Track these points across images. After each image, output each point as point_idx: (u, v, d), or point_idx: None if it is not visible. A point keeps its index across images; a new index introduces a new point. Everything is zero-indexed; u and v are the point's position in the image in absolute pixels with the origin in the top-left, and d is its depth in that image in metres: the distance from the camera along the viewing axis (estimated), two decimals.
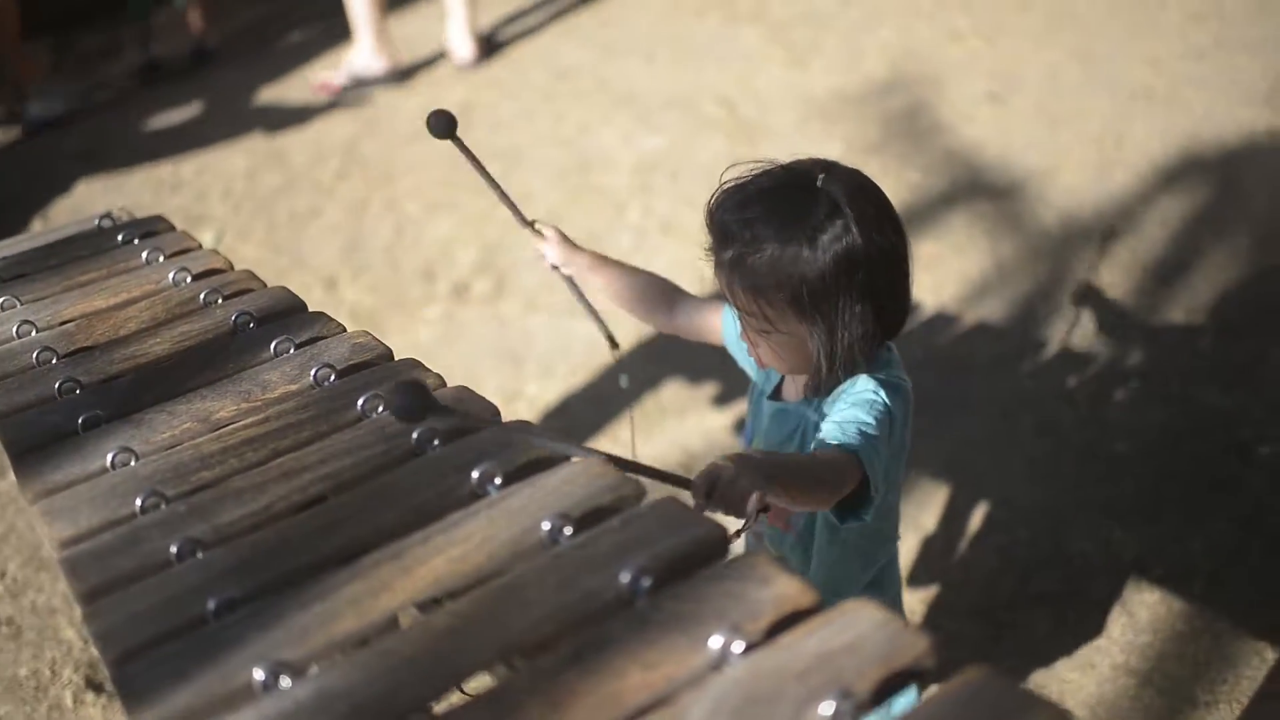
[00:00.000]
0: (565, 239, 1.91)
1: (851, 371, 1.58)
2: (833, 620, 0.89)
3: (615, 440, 3.01)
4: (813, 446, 1.53)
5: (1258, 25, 4.69)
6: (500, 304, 3.60)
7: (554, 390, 3.21)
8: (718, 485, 1.27)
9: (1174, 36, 4.68)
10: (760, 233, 1.51)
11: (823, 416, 1.59)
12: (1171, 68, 4.47)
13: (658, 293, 1.91)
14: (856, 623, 0.88)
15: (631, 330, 3.27)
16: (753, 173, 1.58)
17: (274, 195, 4.36)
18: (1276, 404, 2.95)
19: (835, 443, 1.48)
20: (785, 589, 0.93)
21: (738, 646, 0.87)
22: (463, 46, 5.17)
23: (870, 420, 1.51)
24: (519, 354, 3.36)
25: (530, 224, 1.92)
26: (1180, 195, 3.78)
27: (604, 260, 1.92)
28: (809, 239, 1.50)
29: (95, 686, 2.44)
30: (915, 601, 2.53)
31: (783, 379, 1.73)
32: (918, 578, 2.58)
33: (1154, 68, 4.47)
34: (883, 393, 1.56)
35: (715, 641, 0.87)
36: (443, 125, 1.82)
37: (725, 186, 1.58)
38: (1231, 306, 3.32)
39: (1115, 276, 3.46)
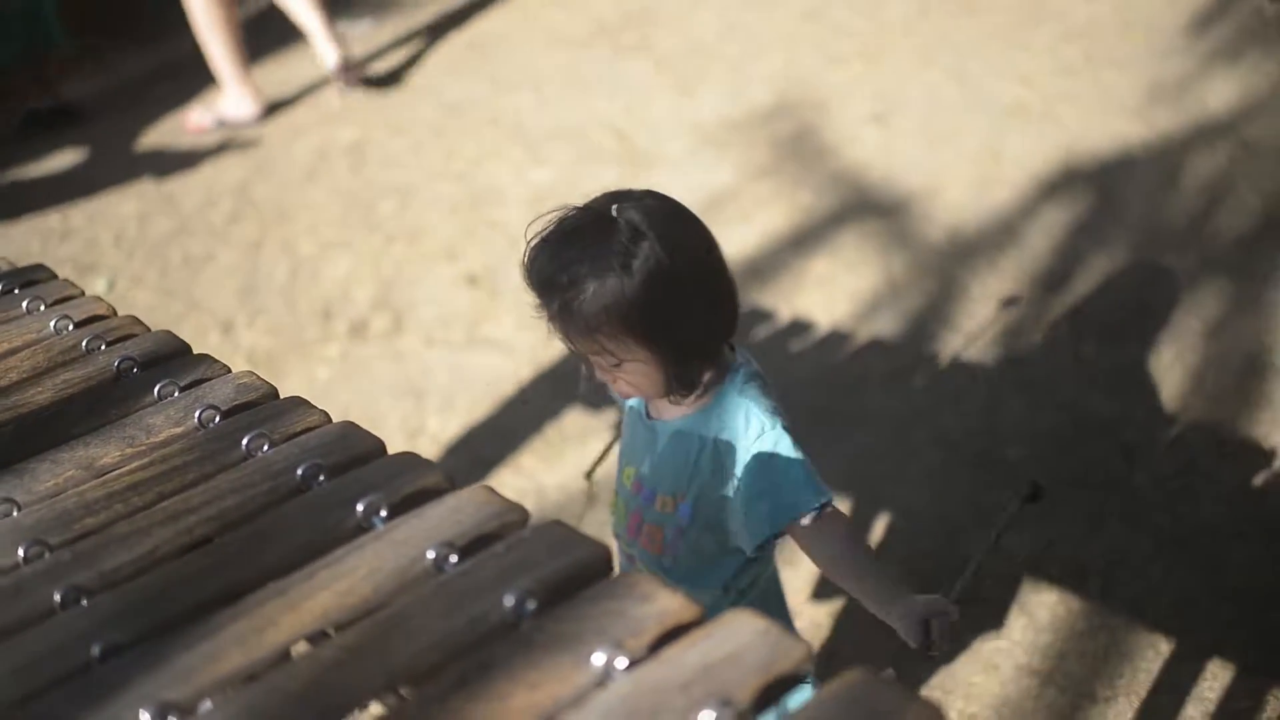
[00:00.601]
0: None
1: (701, 376, 1.65)
2: (713, 633, 0.90)
3: (518, 470, 3.02)
4: (789, 519, 1.64)
5: (1126, 42, 4.84)
6: (399, 340, 3.59)
7: (456, 424, 3.21)
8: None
9: (1046, 55, 4.82)
10: (576, 274, 1.56)
11: (718, 427, 1.66)
12: (1045, 84, 4.59)
13: None
14: (737, 633, 0.90)
15: (531, 361, 3.29)
16: (552, 222, 1.62)
17: (166, 240, 4.32)
18: (1157, 406, 3.05)
19: (813, 508, 1.63)
20: (667, 605, 0.94)
21: (621, 662, 0.88)
22: (330, 56, 5.18)
23: (793, 457, 1.64)
24: (420, 389, 3.35)
25: None
26: (1059, 207, 3.89)
27: None
28: (622, 266, 1.55)
29: None
30: (821, 614, 2.56)
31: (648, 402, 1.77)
32: (822, 592, 2.62)
33: (1028, 85, 4.60)
34: (777, 424, 1.65)
35: (598, 659, 0.89)
36: None
37: (532, 242, 1.61)
38: (1113, 312, 3.42)
39: (1001, 287, 3.55)
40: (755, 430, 1.64)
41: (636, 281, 1.54)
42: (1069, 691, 2.34)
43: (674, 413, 1.72)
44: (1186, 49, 4.71)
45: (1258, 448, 2.88)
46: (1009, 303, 3.44)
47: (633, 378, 1.62)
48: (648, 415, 1.76)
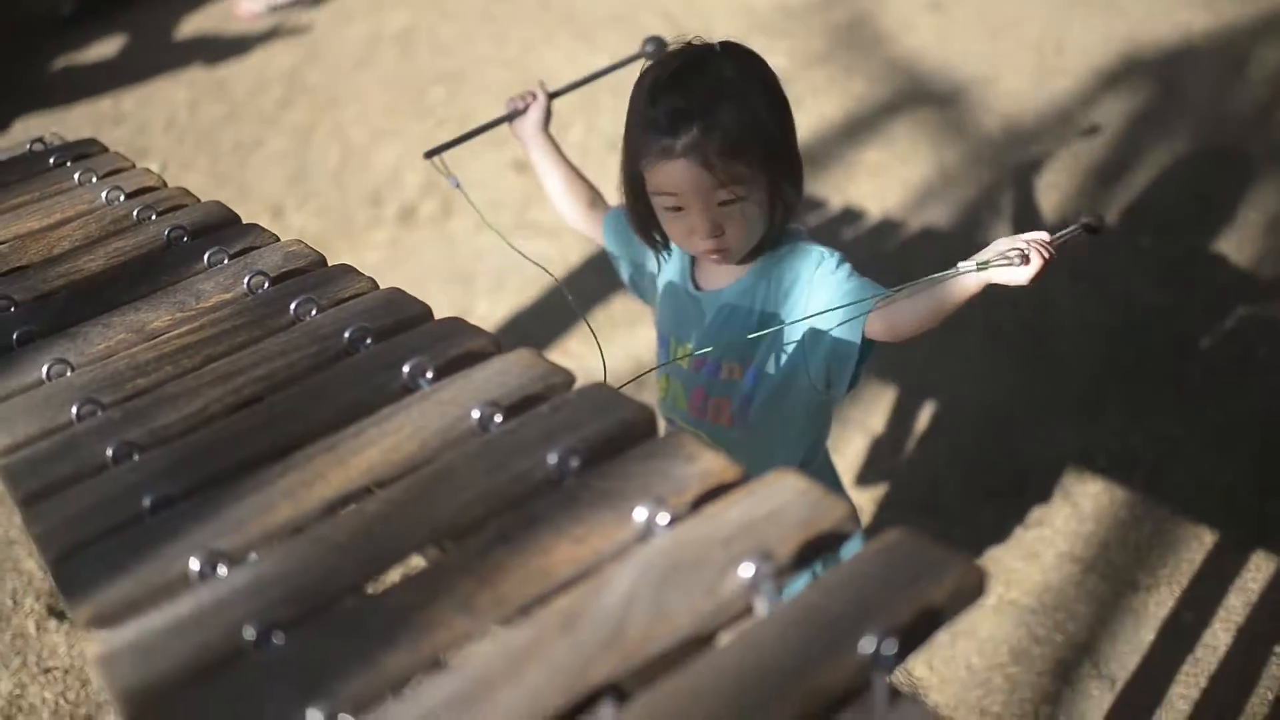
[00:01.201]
0: (542, 119, 1.95)
1: (783, 228, 1.68)
2: (755, 491, 0.91)
3: (566, 353, 3.03)
4: (868, 308, 1.60)
5: None
6: (448, 224, 3.59)
7: (504, 306, 3.22)
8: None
9: None
10: (711, 99, 1.56)
11: (779, 277, 1.67)
12: None
13: (583, 197, 1.95)
14: (779, 492, 0.91)
15: (578, 246, 3.29)
16: (655, 65, 1.63)
17: (217, 126, 4.33)
18: (1212, 299, 3.01)
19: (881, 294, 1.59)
20: (710, 465, 0.95)
21: (663, 519, 0.89)
22: None
23: (851, 273, 1.65)
24: (468, 272, 3.36)
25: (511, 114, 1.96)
26: (1119, 98, 3.81)
27: (554, 153, 1.95)
28: (747, 90, 1.59)
29: (57, 614, 2.45)
30: (864, 500, 2.57)
31: (693, 269, 1.76)
32: (866, 477, 2.63)
33: None
34: (835, 254, 1.67)
35: (640, 514, 0.90)
36: None
37: (645, 84, 1.61)
38: (1169, 205, 3.36)
39: (1057, 178, 3.49)
40: (815, 261, 1.67)
41: (765, 103, 1.59)
42: (1110, 579, 2.34)
43: (724, 279, 1.71)
44: None
45: None
46: (1090, 130, 3.36)
47: (746, 221, 1.61)
48: (695, 287, 1.75)
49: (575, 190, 1.94)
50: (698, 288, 1.75)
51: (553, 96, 1.93)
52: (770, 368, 1.70)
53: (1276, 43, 3.96)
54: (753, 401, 1.71)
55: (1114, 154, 3.57)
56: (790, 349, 1.68)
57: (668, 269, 1.79)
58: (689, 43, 1.65)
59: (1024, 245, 1.47)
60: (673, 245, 1.74)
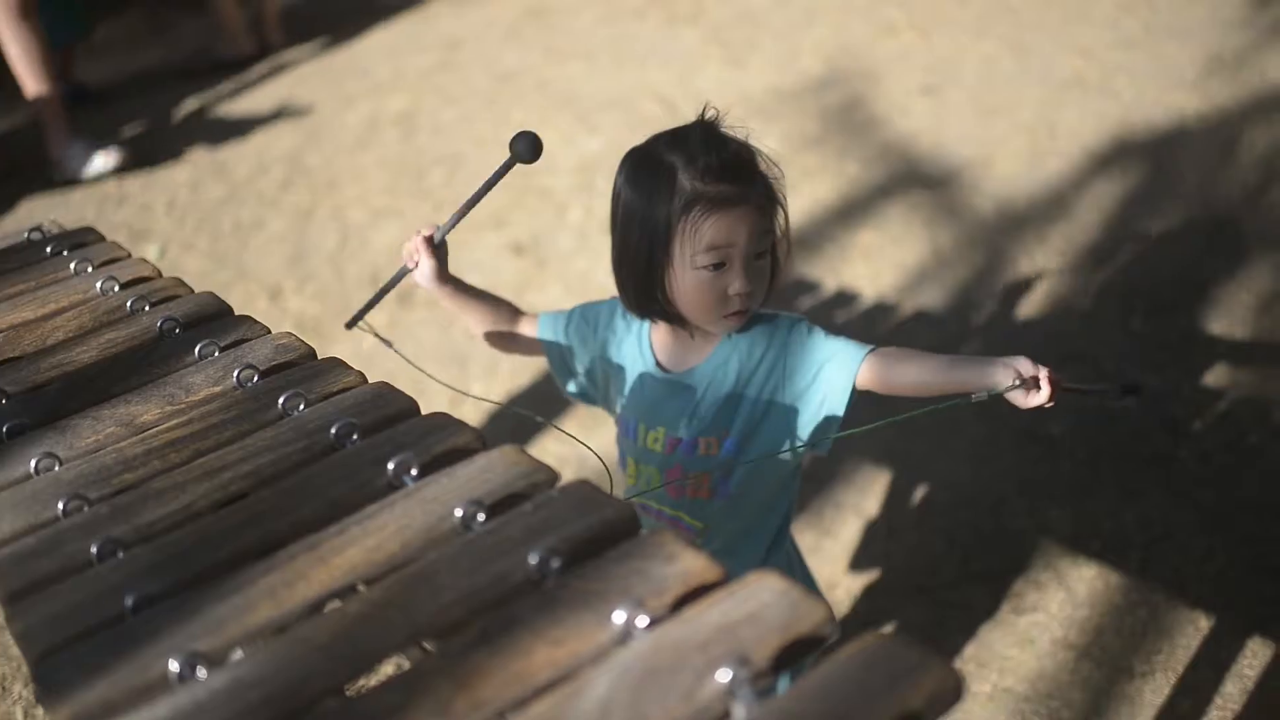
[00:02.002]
0: (439, 265, 1.86)
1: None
2: (735, 592, 0.91)
3: (559, 437, 3.03)
4: (856, 366, 1.66)
5: (1186, 13, 4.77)
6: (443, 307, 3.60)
7: (498, 389, 3.23)
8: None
9: (1105, 26, 4.76)
10: (750, 156, 1.66)
11: (751, 341, 1.73)
12: (1102, 56, 4.54)
13: (501, 319, 1.91)
14: (758, 593, 0.91)
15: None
16: (677, 131, 1.70)
17: (217, 207, 4.36)
18: (1204, 381, 3.02)
19: (870, 348, 1.67)
20: (690, 565, 0.95)
21: (642, 621, 0.89)
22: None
23: (828, 332, 1.73)
24: (464, 355, 3.37)
25: (406, 270, 1.88)
26: (1112, 180, 3.85)
27: (462, 290, 1.89)
28: (754, 153, 1.68)
29: None
30: (858, 585, 2.56)
31: (656, 360, 1.78)
32: (860, 562, 2.62)
33: (1085, 57, 4.54)
34: (802, 319, 1.75)
35: (619, 617, 0.90)
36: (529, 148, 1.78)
37: (680, 144, 1.65)
38: (1163, 286, 3.38)
39: (1050, 261, 3.52)
40: (785, 326, 1.73)
41: (765, 167, 1.69)
42: (1105, 666, 2.33)
43: (694, 358, 1.75)
44: (1248, 21, 4.63)
45: None
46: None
47: (768, 276, 1.68)
48: (662, 371, 1.77)
49: (497, 319, 1.91)
50: (665, 371, 1.77)
51: (438, 243, 1.84)
52: (751, 435, 1.73)
53: (1266, 125, 4.01)
54: (733, 473, 1.73)
55: (1106, 236, 3.60)
56: (771, 413, 1.70)
57: (624, 358, 1.81)
58: (703, 114, 1.71)
59: (1038, 373, 1.51)
60: (631, 331, 1.79)
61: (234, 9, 5.53)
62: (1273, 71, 4.27)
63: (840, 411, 1.68)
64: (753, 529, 1.83)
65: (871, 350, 1.66)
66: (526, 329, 1.91)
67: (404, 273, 1.89)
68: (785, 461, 1.77)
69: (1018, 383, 1.51)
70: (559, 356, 1.88)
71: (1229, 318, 3.20)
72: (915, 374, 1.62)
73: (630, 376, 1.80)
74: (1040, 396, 1.51)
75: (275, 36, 5.70)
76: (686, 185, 1.61)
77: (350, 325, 1.94)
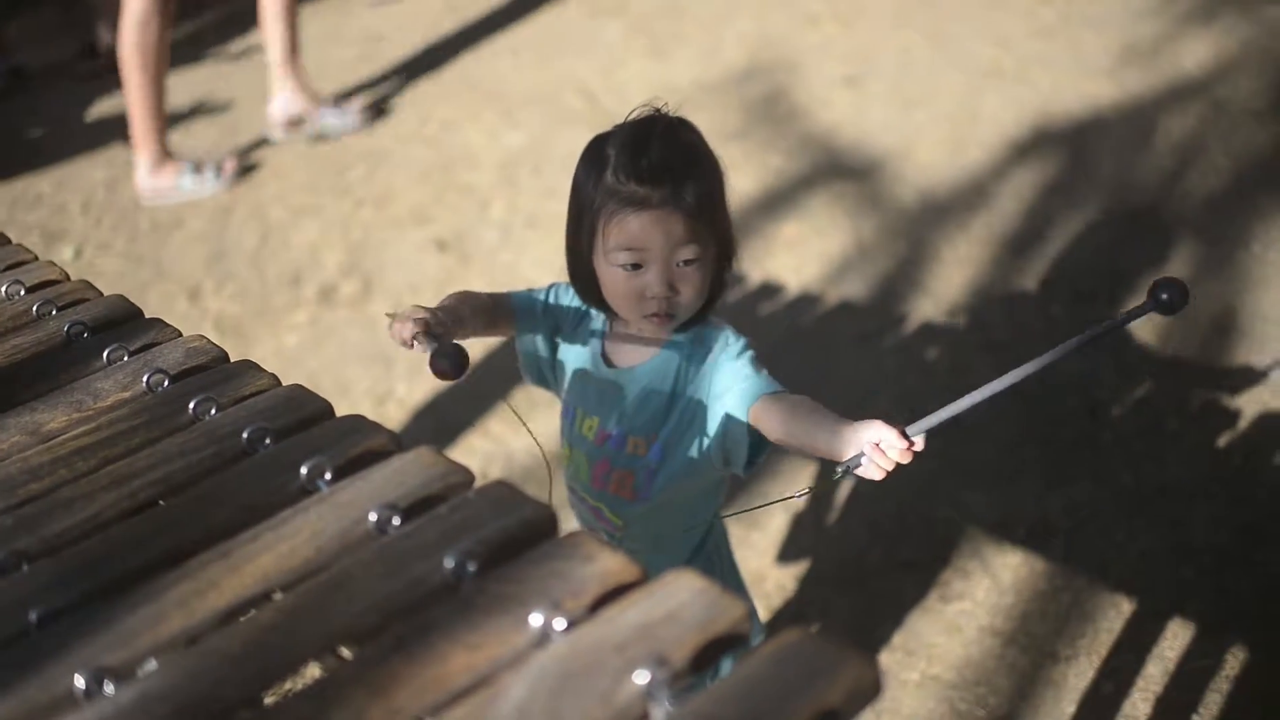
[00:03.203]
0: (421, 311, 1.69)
1: (712, 306, 1.72)
2: (653, 592, 0.91)
3: (486, 434, 3.01)
4: (751, 402, 1.63)
5: (1100, 3, 4.84)
6: (367, 306, 3.57)
7: (423, 390, 3.20)
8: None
9: (1022, 15, 4.80)
10: (686, 160, 1.63)
11: (693, 351, 1.71)
12: (1020, 45, 4.58)
13: (470, 308, 1.80)
14: (676, 593, 0.90)
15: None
16: (624, 125, 1.67)
17: (135, 207, 4.29)
18: (1125, 365, 3.06)
19: (774, 390, 1.63)
20: (608, 565, 0.94)
21: (559, 623, 0.88)
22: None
23: (752, 357, 1.70)
24: (388, 355, 3.34)
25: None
26: (1031, 169, 3.89)
27: (456, 314, 1.76)
28: (712, 161, 1.66)
29: None
30: (786, 576, 2.57)
31: (605, 347, 1.77)
32: (788, 553, 2.63)
33: (1003, 46, 4.59)
34: (741, 338, 1.73)
35: (536, 620, 0.89)
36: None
37: (616, 140, 1.64)
38: (1081, 273, 3.42)
39: (971, 249, 3.55)
40: (722, 343, 1.72)
41: (719, 176, 1.67)
42: (1031, 651, 2.36)
43: (638, 356, 1.74)
44: (1161, 10, 4.70)
45: (1222, 408, 2.89)
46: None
47: (697, 285, 1.65)
48: (607, 364, 1.76)
49: (490, 322, 1.83)
50: (610, 365, 1.76)
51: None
52: (676, 444, 1.72)
53: (1180, 114, 4.07)
54: (657, 476, 1.73)
55: (1027, 225, 3.64)
56: (695, 426, 1.70)
57: (577, 346, 1.80)
58: (656, 108, 1.69)
59: (888, 439, 1.51)
60: (591, 318, 1.78)
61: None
62: (1186, 60, 4.34)
63: (743, 443, 1.66)
64: (671, 536, 1.82)
65: (767, 394, 1.63)
66: (491, 306, 1.83)
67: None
68: (706, 475, 1.77)
69: (859, 461, 1.51)
70: (533, 333, 1.84)
71: None
72: (782, 430, 1.59)
73: (579, 362, 1.80)
74: (885, 466, 1.50)
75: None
76: (609, 180, 1.61)
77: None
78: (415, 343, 1.55)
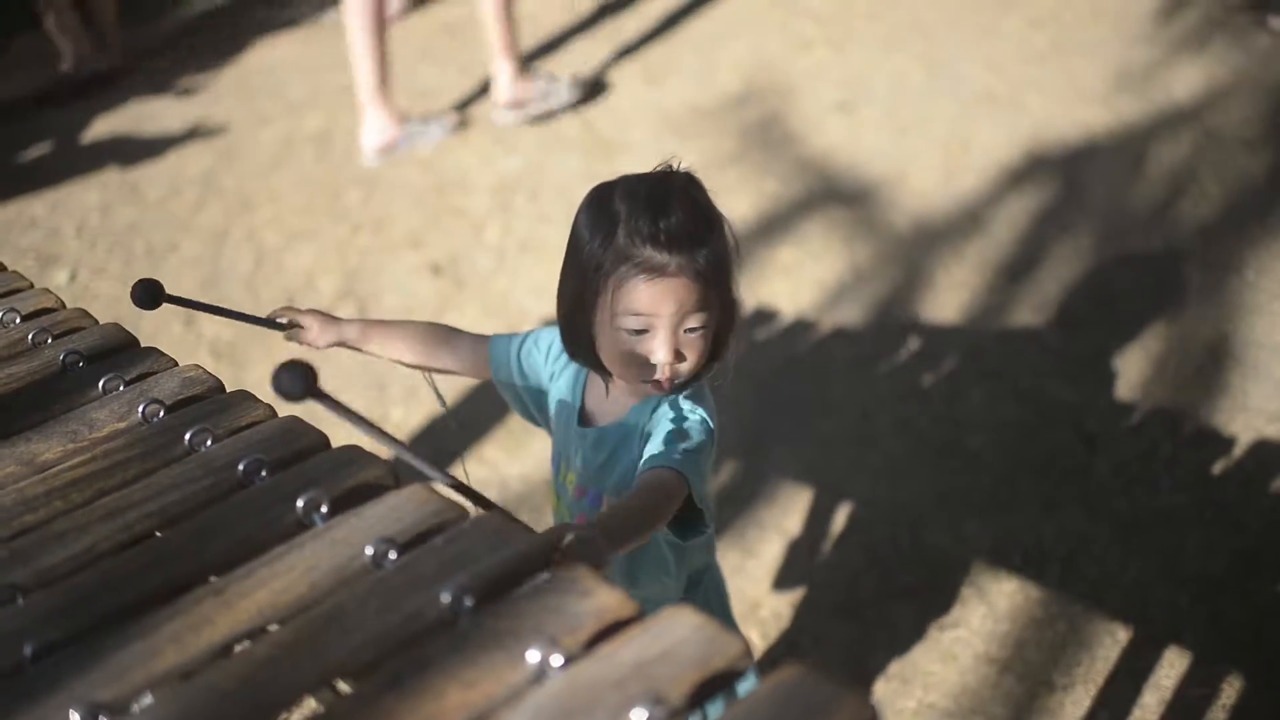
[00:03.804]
0: (324, 316, 1.85)
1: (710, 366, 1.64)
2: (650, 628, 0.90)
3: (481, 460, 3.01)
4: (639, 467, 1.55)
5: (1093, 29, 4.85)
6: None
7: (419, 415, 3.20)
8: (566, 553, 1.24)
9: (1014, 41, 4.82)
10: (705, 225, 1.56)
11: (646, 422, 1.63)
12: (1013, 72, 4.60)
13: (434, 339, 1.87)
14: (673, 629, 0.90)
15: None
16: (632, 182, 1.59)
17: (130, 230, 4.28)
18: (1118, 394, 3.06)
19: (659, 465, 1.52)
20: (605, 601, 0.94)
21: (556, 660, 0.88)
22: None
23: (692, 437, 1.57)
24: (383, 380, 3.33)
25: (278, 324, 1.83)
26: (1025, 195, 3.90)
27: (370, 325, 1.87)
28: (718, 217, 1.59)
29: None
30: (782, 604, 2.57)
31: (583, 404, 1.73)
32: (784, 580, 2.63)
33: (996, 72, 4.60)
34: (698, 408, 1.62)
35: (533, 656, 0.89)
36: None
37: (629, 199, 1.56)
38: (1076, 301, 3.43)
39: (966, 276, 3.55)
40: (668, 406, 1.62)
41: (729, 231, 1.60)
42: (1027, 679, 2.35)
43: (611, 415, 1.70)
44: (1153, 36, 4.72)
45: (1217, 435, 2.89)
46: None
47: (701, 351, 1.58)
48: (581, 422, 1.72)
49: (427, 343, 1.86)
50: (585, 422, 1.73)
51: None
52: None
53: (1173, 141, 4.08)
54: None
55: (1020, 251, 3.65)
56: None
57: (561, 394, 1.77)
58: (669, 167, 1.62)
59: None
60: (570, 368, 1.74)
61: (74, 25, 5.37)
62: (1177, 87, 4.36)
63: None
64: (655, 595, 1.75)
65: (650, 469, 1.53)
66: (474, 350, 1.84)
67: (276, 326, 1.83)
68: (659, 536, 1.69)
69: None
70: (508, 380, 1.82)
71: (1140, 331, 3.26)
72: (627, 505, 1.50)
73: (561, 414, 1.76)
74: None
75: (115, 49, 5.54)
76: (621, 241, 1.53)
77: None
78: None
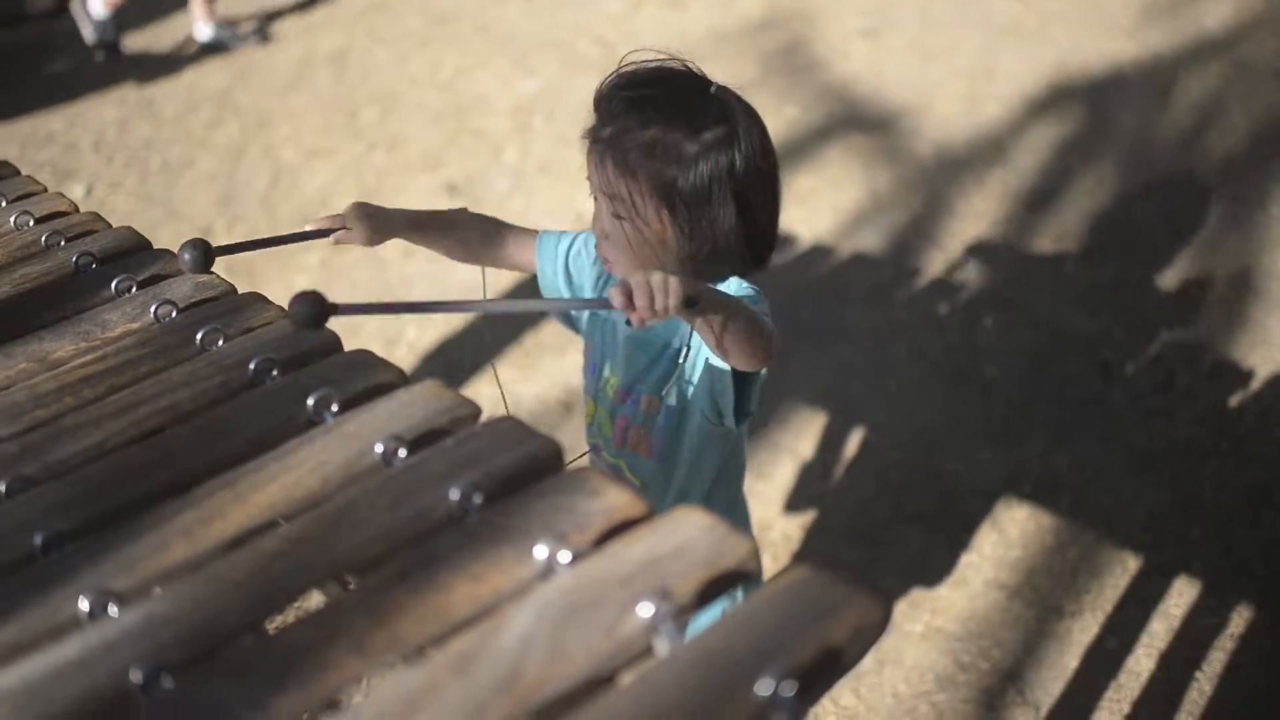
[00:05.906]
0: (369, 213, 1.73)
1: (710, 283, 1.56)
2: (659, 528, 0.90)
3: (489, 380, 3.01)
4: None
5: None
6: (378, 249, 3.55)
7: (433, 334, 3.19)
8: (647, 289, 1.26)
9: None
10: (647, 114, 1.48)
11: (684, 341, 1.60)
12: (1040, 2, 4.54)
13: (484, 232, 1.82)
14: (683, 529, 0.90)
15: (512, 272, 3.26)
16: (651, 63, 1.55)
17: (146, 146, 4.27)
18: (1137, 324, 3.04)
19: (755, 308, 1.47)
20: (615, 500, 0.94)
21: (564, 556, 0.88)
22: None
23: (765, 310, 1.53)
24: (399, 297, 3.33)
25: (325, 233, 1.73)
26: (1049, 125, 3.86)
27: (418, 220, 1.81)
28: (693, 132, 1.48)
29: None
30: (793, 526, 2.57)
31: None
32: (795, 504, 2.63)
33: (1023, 3, 4.54)
34: (761, 302, 1.57)
35: (541, 552, 0.88)
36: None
37: (622, 69, 1.54)
38: (1096, 231, 3.40)
39: (986, 205, 3.52)
40: (736, 288, 1.58)
41: (698, 155, 1.48)
42: (1036, 605, 2.36)
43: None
44: None
45: (1235, 368, 2.88)
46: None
47: (629, 242, 1.53)
48: (627, 321, 1.70)
49: (468, 238, 1.81)
50: (629, 321, 1.70)
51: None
52: (670, 399, 1.65)
53: (1200, 73, 4.03)
54: (668, 434, 1.69)
55: (1042, 181, 3.61)
56: (684, 380, 1.65)
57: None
58: (685, 63, 1.57)
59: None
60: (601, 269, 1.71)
61: None
62: (1207, 18, 4.29)
63: (727, 391, 1.56)
64: (685, 494, 1.73)
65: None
66: (522, 245, 1.80)
67: (323, 235, 1.73)
68: (702, 431, 1.67)
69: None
70: (551, 277, 1.78)
71: (1160, 264, 3.23)
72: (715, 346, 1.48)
73: (605, 315, 1.73)
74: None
75: None
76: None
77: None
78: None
